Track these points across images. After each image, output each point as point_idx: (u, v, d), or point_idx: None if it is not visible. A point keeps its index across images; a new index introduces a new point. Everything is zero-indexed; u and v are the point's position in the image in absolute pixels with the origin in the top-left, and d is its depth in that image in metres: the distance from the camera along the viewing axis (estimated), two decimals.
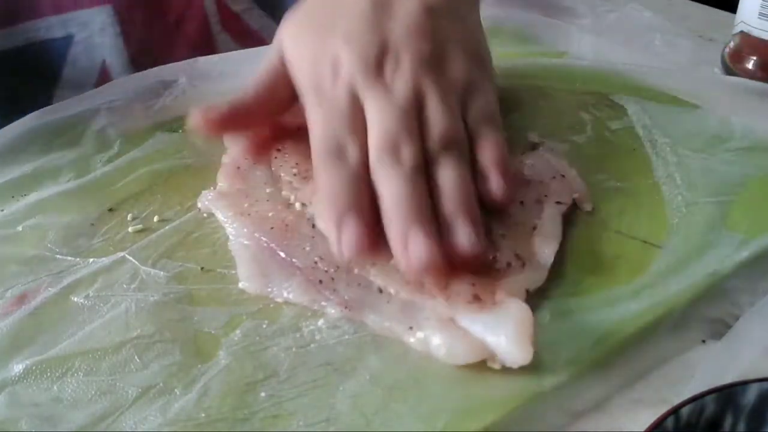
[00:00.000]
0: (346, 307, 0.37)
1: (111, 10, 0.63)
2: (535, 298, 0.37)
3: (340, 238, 0.37)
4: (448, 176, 0.39)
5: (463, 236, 0.37)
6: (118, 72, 0.64)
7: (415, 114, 0.40)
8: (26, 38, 0.62)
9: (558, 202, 0.43)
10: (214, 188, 0.46)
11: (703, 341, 0.37)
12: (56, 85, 0.63)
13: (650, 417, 0.28)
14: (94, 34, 0.63)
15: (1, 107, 0.55)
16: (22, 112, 0.53)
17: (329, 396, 0.34)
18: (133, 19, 0.64)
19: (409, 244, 0.37)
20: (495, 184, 0.41)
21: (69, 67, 0.63)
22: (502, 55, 0.60)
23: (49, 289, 0.40)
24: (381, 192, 0.39)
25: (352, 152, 0.40)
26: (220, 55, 0.60)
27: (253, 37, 0.69)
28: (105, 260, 0.41)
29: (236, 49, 0.64)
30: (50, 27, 0.62)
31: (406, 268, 0.37)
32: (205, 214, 0.44)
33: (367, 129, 0.40)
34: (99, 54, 0.64)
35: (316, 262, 0.39)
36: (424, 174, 0.39)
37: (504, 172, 0.41)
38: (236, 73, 0.58)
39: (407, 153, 0.39)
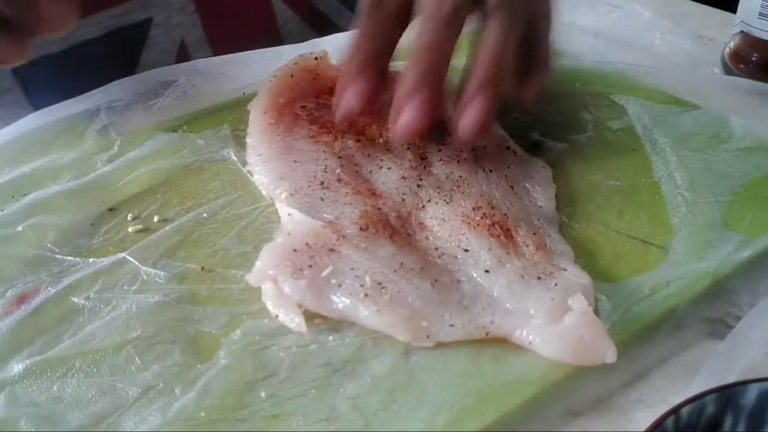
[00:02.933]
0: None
1: None
2: None
3: (342, 95, 0.41)
4: (490, 41, 0.40)
5: (469, 119, 0.40)
6: (196, 51, 0.65)
7: None
8: (109, 25, 0.62)
9: None
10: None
11: (704, 341, 0.37)
12: (135, 69, 0.63)
13: (650, 417, 0.28)
14: (172, 14, 0.64)
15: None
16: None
17: (329, 396, 0.34)
18: None
19: (404, 111, 0.40)
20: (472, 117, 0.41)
21: (148, 50, 0.64)
22: None
23: (49, 289, 0.40)
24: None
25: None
26: (221, 56, 0.60)
27: (310, 10, 0.71)
28: (105, 261, 0.41)
29: (295, 21, 0.67)
30: (131, 11, 0.63)
31: (392, 131, 0.41)
32: (205, 214, 0.44)
33: None
34: (177, 34, 0.65)
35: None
36: (460, 23, 0.40)
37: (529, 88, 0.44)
38: (236, 73, 0.58)
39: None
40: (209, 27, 0.66)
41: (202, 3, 0.65)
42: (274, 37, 0.68)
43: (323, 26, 0.70)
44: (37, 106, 0.57)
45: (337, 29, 0.67)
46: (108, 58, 0.63)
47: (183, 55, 0.65)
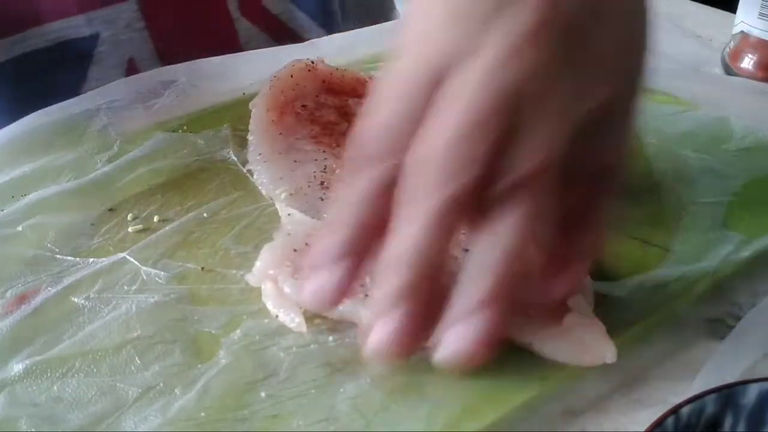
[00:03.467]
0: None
1: (135, 5, 0.63)
2: None
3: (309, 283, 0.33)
4: (490, 242, 0.29)
5: (447, 351, 0.30)
6: (146, 67, 0.64)
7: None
8: (54, 38, 0.61)
9: None
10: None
11: (704, 341, 0.37)
12: (83, 85, 0.63)
13: (650, 417, 0.28)
14: (119, 31, 0.63)
15: (30, 106, 0.54)
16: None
17: (329, 396, 0.34)
18: (157, 12, 0.64)
19: (375, 328, 0.30)
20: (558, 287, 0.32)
21: (96, 66, 0.63)
22: None
23: (49, 289, 0.40)
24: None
25: (388, 159, 0.30)
26: (221, 56, 0.60)
27: (272, 22, 0.69)
28: (105, 261, 0.41)
29: (258, 36, 0.64)
30: (77, 26, 0.62)
31: (364, 347, 0.32)
32: (205, 214, 0.44)
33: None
34: (126, 51, 0.64)
35: None
36: (458, 217, 0.30)
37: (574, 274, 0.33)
38: (236, 73, 0.58)
39: (453, 181, 0.29)
40: (161, 45, 0.64)
41: (153, 20, 0.64)
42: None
43: (293, 43, 0.65)
44: None
45: None
46: (55, 70, 0.62)
47: (132, 72, 0.64)
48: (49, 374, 0.35)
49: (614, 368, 0.35)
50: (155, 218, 0.44)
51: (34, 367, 0.35)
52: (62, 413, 0.33)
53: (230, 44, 0.66)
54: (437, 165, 0.29)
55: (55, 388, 0.34)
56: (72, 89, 0.59)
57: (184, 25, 0.66)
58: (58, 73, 0.62)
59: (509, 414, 0.33)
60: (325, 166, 0.45)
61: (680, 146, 0.48)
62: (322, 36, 0.68)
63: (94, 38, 0.62)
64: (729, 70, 0.59)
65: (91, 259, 0.42)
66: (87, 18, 0.62)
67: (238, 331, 0.37)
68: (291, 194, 0.43)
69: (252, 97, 0.52)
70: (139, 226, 0.44)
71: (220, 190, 0.47)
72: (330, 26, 0.71)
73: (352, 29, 0.66)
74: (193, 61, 0.59)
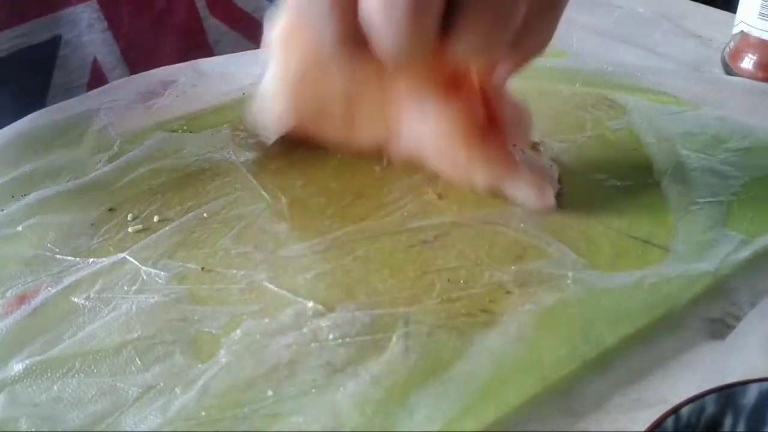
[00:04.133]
0: None
1: (96, 5, 0.61)
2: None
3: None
4: None
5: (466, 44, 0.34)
6: (111, 68, 0.63)
7: None
8: (11, 46, 0.60)
9: None
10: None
11: (704, 341, 0.37)
12: (48, 91, 0.61)
13: (650, 417, 0.28)
14: (82, 32, 0.62)
15: None
16: (15, 120, 0.52)
17: (329, 395, 0.34)
18: (119, 12, 0.62)
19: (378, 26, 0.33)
20: None
21: (59, 70, 0.62)
22: None
23: (49, 289, 0.40)
24: None
25: None
26: (222, 56, 0.60)
27: (244, 20, 0.67)
28: (105, 261, 0.41)
29: (228, 34, 0.62)
30: (36, 31, 0.60)
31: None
32: (205, 214, 0.44)
33: None
34: (89, 52, 0.62)
35: None
36: None
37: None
38: (236, 73, 0.58)
39: None
40: (125, 45, 0.63)
41: (115, 21, 0.62)
42: (204, 56, 0.63)
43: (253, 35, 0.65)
44: None
45: None
46: (17, 79, 0.60)
47: (97, 74, 0.63)
48: (49, 374, 0.35)
49: (614, 368, 0.35)
50: (155, 218, 0.44)
51: (34, 367, 0.35)
52: (62, 413, 0.33)
53: (198, 44, 0.65)
54: None
55: (55, 388, 0.34)
56: (36, 97, 0.58)
57: (149, 24, 0.64)
58: (21, 82, 0.61)
59: (509, 414, 0.33)
60: None
61: (680, 146, 0.48)
62: None
63: (56, 40, 0.61)
64: (729, 70, 0.59)
65: (91, 259, 0.42)
66: (46, 21, 0.60)
67: (238, 331, 0.37)
68: None
69: (252, 96, 0.52)
70: (139, 226, 0.44)
71: (220, 190, 0.47)
72: None
73: None
74: (193, 61, 0.59)
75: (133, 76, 0.58)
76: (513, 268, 0.40)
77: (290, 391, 0.34)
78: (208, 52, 0.66)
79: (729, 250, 0.40)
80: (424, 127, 0.43)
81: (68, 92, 0.60)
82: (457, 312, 0.37)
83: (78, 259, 0.42)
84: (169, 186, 0.47)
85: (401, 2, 0.32)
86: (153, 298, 0.39)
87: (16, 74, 0.60)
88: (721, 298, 0.38)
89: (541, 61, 0.59)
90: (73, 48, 0.62)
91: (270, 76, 0.46)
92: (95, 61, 0.63)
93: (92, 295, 0.39)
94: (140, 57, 0.58)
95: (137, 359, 0.36)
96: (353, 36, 0.35)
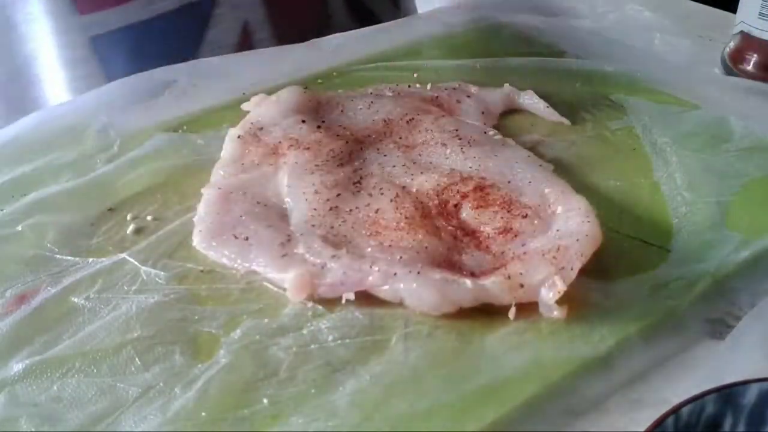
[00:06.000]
0: None
1: None
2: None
3: None
4: None
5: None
6: (258, 31, 0.66)
7: None
8: (176, 2, 0.62)
9: None
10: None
11: (704, 341, 0.37)
12: (200, 47, 0.64)
13: (650, 417, 0.28)
14: None
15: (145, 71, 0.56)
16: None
17: (329, 396, 0.34)
18: None
19: None
20: None
21: (213, 29, 0.64)
22: (503, 55, 0.60)
23: (49, 289, 0.40)
24: None
25: None
26: (221, 56, 0.60)
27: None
28: (105, 261, 0.41)
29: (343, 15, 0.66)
30: None
31: None
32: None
33: None
34: (241, 13, 0.65)
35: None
36: None
37: None
38: (236, 73, 0.58)
39: None
40: (271, 9, 0.66)
41: None
42: (323, 26, 0.68)
43: (367, 20, 0.70)
44: (110, 77, 0.58)
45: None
46: (176, 33, 0.63)
47: (245, 35, 0.65)
48: (49, 374, 0.35)
49: (614, 368, 0.35)
50: (155, 218, 0.44)
51: (34, 367, 0.35)
52: (62, 413, 0.33)
53: (322, 14, 0.68)
54: None
55: (54, 388, 0.34)
56: (190, 53, 0.61)
57: None
58: (179, 36, 0.63)
59: (509, 414, 0.33)
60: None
61: (680, 146, 0.48)
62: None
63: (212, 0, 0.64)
64: (729, 70, 0.59)
65: (91, 259, 0.42)
66: None
67: (237, 331, 0.37)
68: None
69: (252, 96, 0.52)
70: (139, 226, 0.44)
71: None
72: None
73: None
74: (193, 61, 0.59)
75: (133, 76, 0.58)
76: None
77: (290, 392, 0.34)
78: (325, 27, 0.69)
79: (729, 250, 0.40)
80: None
81: (219, 50, 0.63)
82: (456, 312, 0.37)
83: (78, 259, 0.42)
84: (169, 186, 0.47)
85: None
86: (153, 298, 0.39)
87: (177, 28, 0.63)
88: (721, 298, 0.38)
89: (541, 61, 0.59)
90: (228, 8, 0.64)
91: None
92: (246, 22, 0.66)
93: (92, 295, 0.39)
94: (283, 22, 0.62)
95: (137, 359, 0.36)
96: None
